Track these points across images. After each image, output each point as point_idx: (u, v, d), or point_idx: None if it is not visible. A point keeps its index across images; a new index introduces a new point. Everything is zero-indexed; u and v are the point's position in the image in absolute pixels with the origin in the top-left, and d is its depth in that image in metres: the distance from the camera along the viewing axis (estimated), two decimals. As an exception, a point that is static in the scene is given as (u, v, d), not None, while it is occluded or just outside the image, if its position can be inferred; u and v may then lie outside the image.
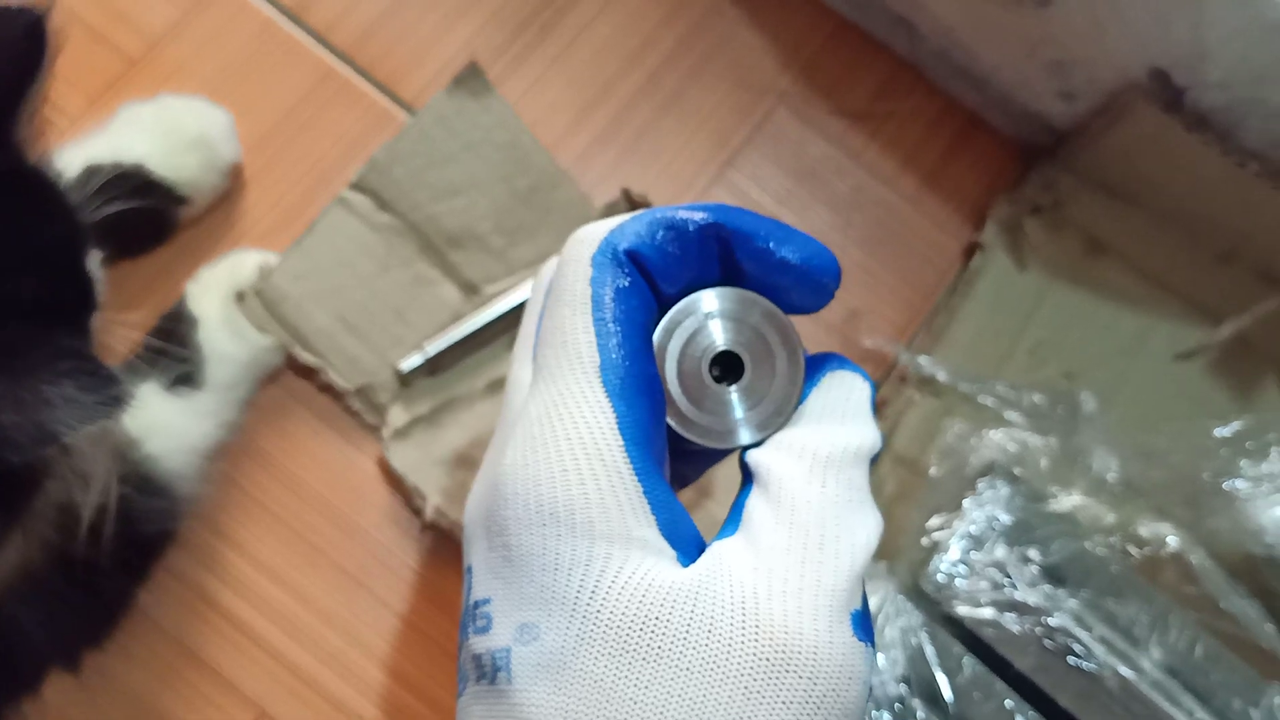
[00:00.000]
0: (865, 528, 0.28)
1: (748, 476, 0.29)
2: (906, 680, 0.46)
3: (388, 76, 0.62)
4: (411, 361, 0.55)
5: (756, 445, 0.30)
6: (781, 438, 0.29)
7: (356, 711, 0.53)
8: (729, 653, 0.25)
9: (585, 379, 0.27)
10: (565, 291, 0.29)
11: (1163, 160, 0.57)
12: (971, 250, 0.63)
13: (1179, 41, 0.51)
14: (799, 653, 0.25)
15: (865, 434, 0.29)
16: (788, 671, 0.25)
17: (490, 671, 0.27)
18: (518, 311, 0.56)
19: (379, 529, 0.55)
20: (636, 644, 0.26)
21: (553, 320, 0.29)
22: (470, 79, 0.60)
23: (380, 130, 0.61)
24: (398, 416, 0.55)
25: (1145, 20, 0.51)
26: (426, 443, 0.54)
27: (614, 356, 0.27)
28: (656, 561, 0.27)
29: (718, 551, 0.27)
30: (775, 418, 0.30)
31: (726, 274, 0.31)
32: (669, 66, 0.65)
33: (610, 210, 0.58)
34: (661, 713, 0.25)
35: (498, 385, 0.56)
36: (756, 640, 0.25)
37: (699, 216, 0.29)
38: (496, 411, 0.56)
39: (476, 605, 0.28)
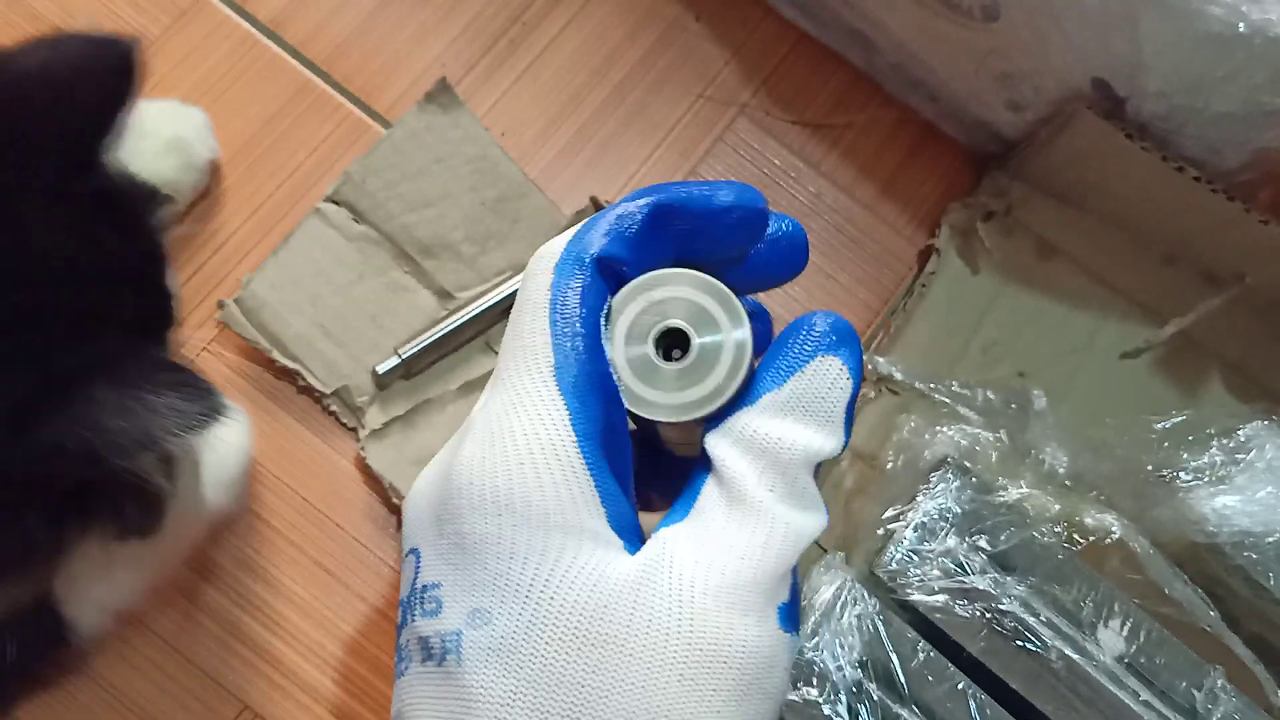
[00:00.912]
0: (808, 527, 0.29)
1: (707, 463, 0.29)
2: (863, 664, 0.48)
3: (362, 89, 0.64)
4: (387, 364, 0.57)
5: (716, 417, 0.29)
6: (745, 426, 0.29)
7: (335, 702, 0.54)
8: (667, 642, 0.27)
9: (540, 378, 0.28)
10: (527, 300, 0.29)
11: (1107, 166, 0.60)
12: (926, 254, 0.65)
13: (1118, 53, 0.54)
14: (730, 646, 0.27)
15: (830, 439, 0.29)
16: (719, 662, 0.27)
17: (438, 654, 0.28)
18: (488, 315, 0.58)
19: (356, 527, 0.57)
20: (586, 631, 0.27)
21: (514, 327, 0.30)
22: (441, 94, 0.62)
23: (355, 141, 0.63)
24: (374, 418, 0.57)
25: (1086, 33, 0.54)
26: (402, 443, 0.56)
27: (569, 356, 0.28)
28: (606, 552, 0.28)
29: (664, 539, 0.28)
30: (726, 387, 0.29)
31: (684, 258, 0.31)
32: (634, 79, 0.67)
33: (580, 217, 0.61)
34: (606, 697, 0.26)
35: (471, 386, 0.58)
36: (692, 632, 0.27)
37: (642, 203, 0.30)
38: (468, 412, 0.57)
39: (425, 589, 0.29)
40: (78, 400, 0.33)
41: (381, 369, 0.57)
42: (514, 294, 0.57)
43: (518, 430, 0.28)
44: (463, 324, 0.58)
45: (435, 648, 0.28)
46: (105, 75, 0.37)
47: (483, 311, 0.58)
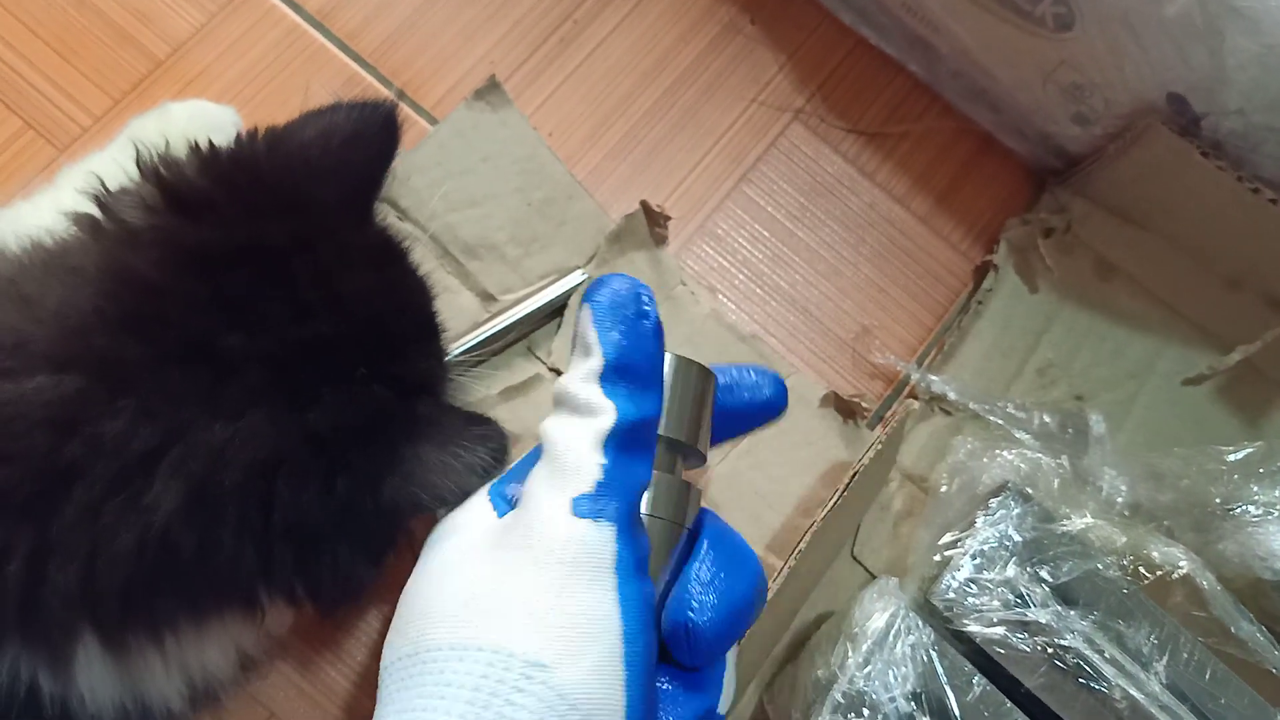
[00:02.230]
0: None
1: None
2: (916, 697, 0.46)
3: (408, 84, 0.63)
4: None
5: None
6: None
7: (364, 713, 0.53)
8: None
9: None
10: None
11: (1177, 185, 0.58)
12: (983, 270, 0.63)
13: (1197, 68, 0.52)
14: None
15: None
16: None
17: None
18: (531, 319, 0.57)
19: (390, 534, 0.55)
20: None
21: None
22: (489, 92, 0.61)
23: (401, 136, 0.61)
24: (412, 422, 0.55)
25: (1165, 46, 0.52)
26: (439, 449, 0.55)
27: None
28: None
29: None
30: None
31: None
32: (686, 82, 0.65)
33: (630, 223, 0.59)
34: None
35: (512, 392, 0.56)
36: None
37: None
38: (509, 418, 0.55)
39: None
40: (408, 459, 0.36)
41: (420, 371, 0.55)
42: (557, 298, 0.56)
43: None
44: (505, 327, 0.56)
45: None
46: (374, 137, 0.41)
47: (525, 315, 0.57)
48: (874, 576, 0.57)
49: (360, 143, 0.41)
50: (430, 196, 0.58)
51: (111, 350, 0.34)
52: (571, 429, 0.34)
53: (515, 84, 0.63)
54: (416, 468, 0.37)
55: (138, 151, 0.39)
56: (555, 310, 0.57)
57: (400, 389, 0.38)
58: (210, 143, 0.39)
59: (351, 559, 0.37)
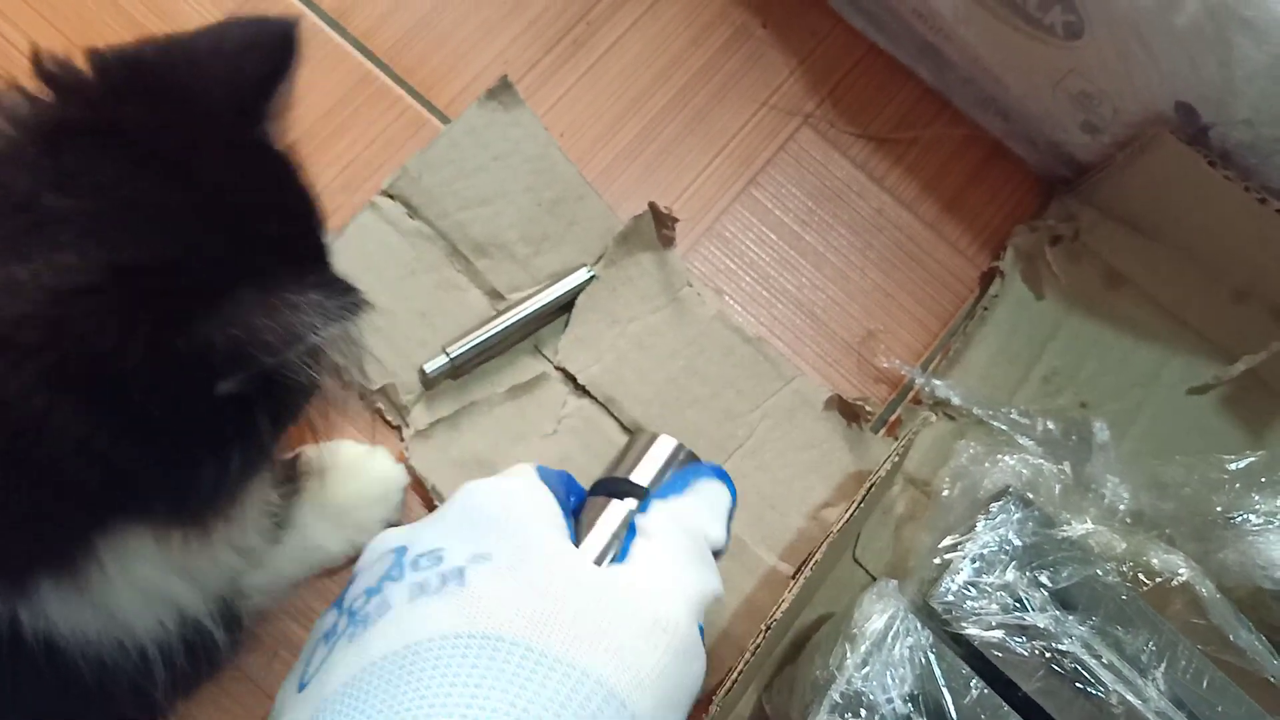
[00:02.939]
0: (707, 584, 0.42)
1: (630, 533, 0.43)
2: (913, 698, 0.46)
3: (422, 83, 0.63)
4: (435, 364, 0.56)
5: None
6: (665, 507, 0.44)
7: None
8: (602, 593, 0.38)
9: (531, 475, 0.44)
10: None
11: (1185, 194, 0.58)
12: (989, 277, 0.63)
13: (1207, 78, 0.52)
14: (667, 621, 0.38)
15: (718, 529, 0.45)
16: (662, 631, 0.38)
17: (435, 586, 0.38)
18: (537, 317, 0.57)
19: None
20: (554, 569, 0.38)
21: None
22: (502, 92, 0.61)
23: (413, 135, 0.62)
24: (420, 417, 0.56)
25: (1174, 56, 0.52)
26: (446, 444, 0.55)
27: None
28: (568, 544, 0.41)
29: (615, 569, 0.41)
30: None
31: None
32: (697, 84, 0.66)
33: (637, 224, 0.59)
34: (562, 606, 0.37)
35: (518, 390, 0.56)
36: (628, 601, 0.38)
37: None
38: (515, 416, 0.56)
39: (422, 555, 0.39)
40: (225, 301, 0.34)
41: (429, 368, 0.56)
42: (562, 295, 0.56)
43: (521, 480, 0.43)
44: (511, 325, 0.57)
45: (434, 582, 0.38)
46: (269, 47, 0.40)
47: (532, 314, 0.57)
48: (875, 579, 0.57)
49: (253, 52, 0.40)
50: (441, 194, 0.59)
51: None
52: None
53: (528, 84, 0.64)
54: (235, 307, 0.33)
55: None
56: (561, 308, 0.58)
57: (240, 247, 0.36)
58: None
59: (188, 431, 0.35)
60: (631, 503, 0.46)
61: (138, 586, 0.38)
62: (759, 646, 0.47)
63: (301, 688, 0.39)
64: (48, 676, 0.37)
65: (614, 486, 0.48)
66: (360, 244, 0.58)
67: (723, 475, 0.47)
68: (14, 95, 0.37)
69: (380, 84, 0.63)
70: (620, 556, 0.42)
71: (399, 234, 0.58)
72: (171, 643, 0.41)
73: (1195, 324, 0.63)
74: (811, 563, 0.49)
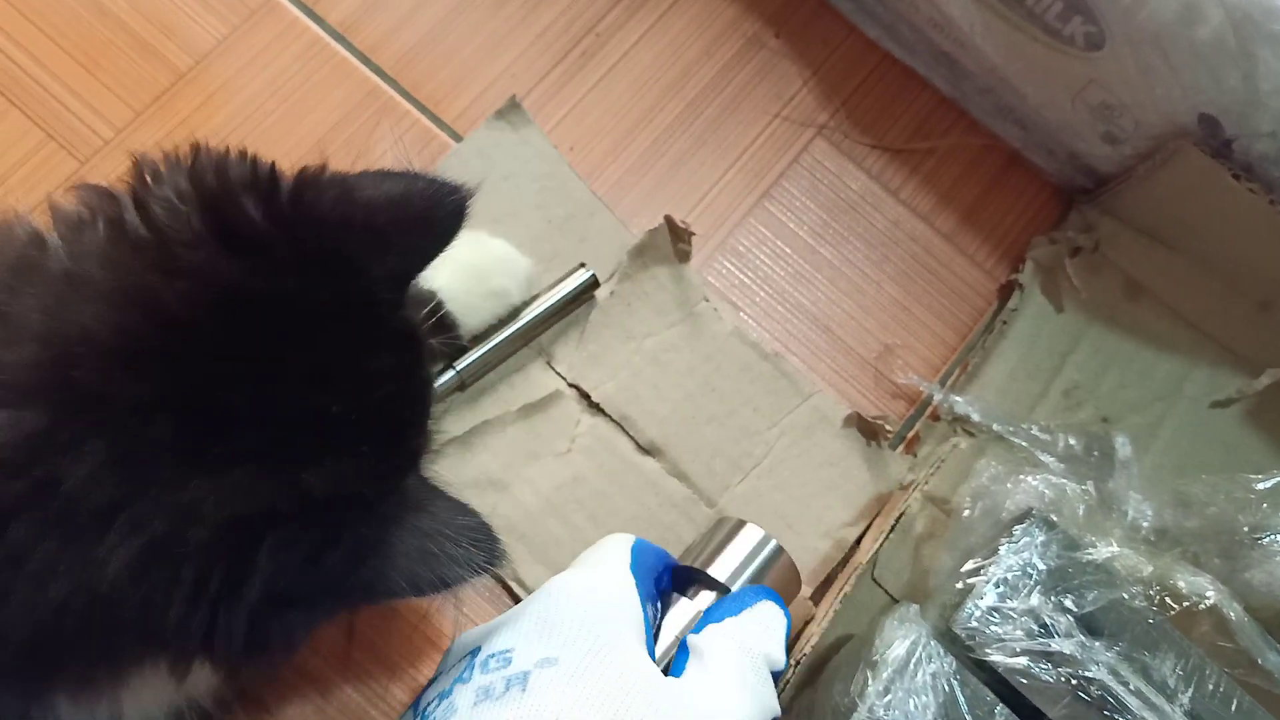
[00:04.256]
0: (767, 706, 0.42)
1: (684, 654, 0.42)
2: (937, 727, 0.46)
3: (430, 97, 0.62)
4: (443, 379, 0.55)
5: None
6: (723, 629, 0.43)
7: (379, 735, 0.53)
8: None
9: (622, 564, 0.44)
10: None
11: (1207, 206, 0.57)
12: (1008, 290, 0.62)
13: (1229, 90, 0.51)
14: None
15: (777, 650, 0.43)
16: None
17: (502, 690, 0.38)
18: (541, 321, 0.56)
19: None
20: (626, 681, 0.38)
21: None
22: (510, 112, 0.60)
23: (421, 149, 0.61)
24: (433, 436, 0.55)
25: (1196, 68, 0.51)
26: (459, 464, 0.54)
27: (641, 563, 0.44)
28: (642, 650, 0.40)
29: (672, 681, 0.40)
30: None
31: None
32: (708, 96, 0.65)
33: (653, 238, 0.58)
34: (620, 717, 0.36)
35: (531, 409, 0.56)
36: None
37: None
38: (528, 435, 0.56)
39: (492, 656, 0.40)
40: (395, 544, 0.35)
41: (438, 384, 0.55)
42: (564, 296, 0.55)
43: (605, 576, 0.43)
44: (515, 332, 0.56)
45: (498, 687, 0.38)
46: (442, 221, 0.39)
47: (534, 318, 0.56)
48: (894, 599, 0.56)
49: (428, 224, 0.39)
50: (451, 212, 0.58)
51: (95, 386, 0.31)
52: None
53: (537, 97, 0.63)
54: (401, 555, 0.35)
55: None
56: (562, 309, 0.57)
57: (394, 469, 0.37)
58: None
59: (304, 630, 0.36)
60: (706, 599, 0.46)
61: (150, 708, 0.38)
62: (789, 681, 0.46)
63: None
64: None
65: (693, 577, 0.47)
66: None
67: (775, 596, 0.46)
68: (170, 212, 0.34)
69: (387, 99, 0.62)
70: (675, 672, 0.41)
71: (409, 252, 0.57)
72: None
73: (1218, 336, 0.62)
74: (841, 594, 0.49)
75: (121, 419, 0.31)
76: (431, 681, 0.43)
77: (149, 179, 0.35)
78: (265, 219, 0.35)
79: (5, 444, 0.30)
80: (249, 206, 0.35)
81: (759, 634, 0.43)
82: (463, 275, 0.54)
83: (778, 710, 0.42)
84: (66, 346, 0.31)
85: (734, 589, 0.46)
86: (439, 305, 0.52)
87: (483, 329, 0.55)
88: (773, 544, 0.48)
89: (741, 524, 0.49)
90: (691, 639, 0.42)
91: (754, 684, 0.41)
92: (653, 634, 0.43)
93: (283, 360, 0.33)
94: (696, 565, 0.47)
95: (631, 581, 0.42)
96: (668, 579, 0.47)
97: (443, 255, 0.52)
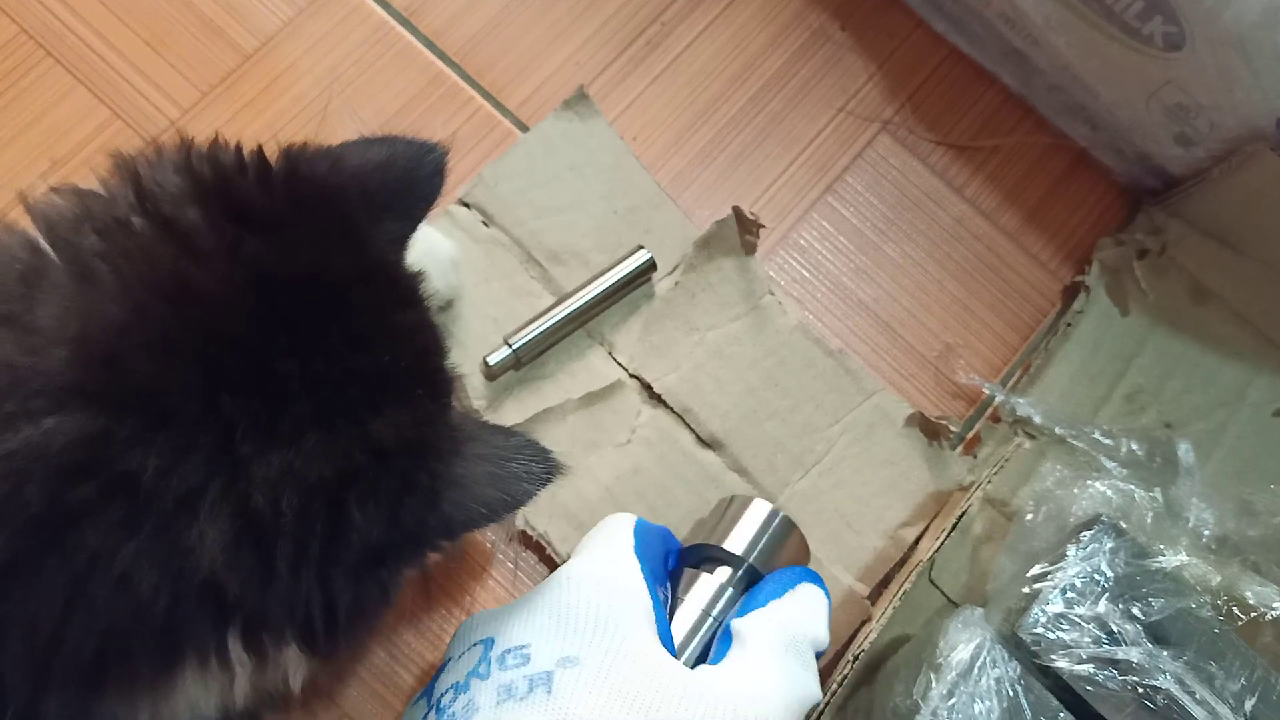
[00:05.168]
0: (808, 689, 0.42)
1: (726, 639, 0.42)
2: (1001, 731, 0.45)
3: (493, 84, 0.62)
4: (498, 355, 0.55)
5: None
6: (766, 613, 0.43)
7: None
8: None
9: (628, 549, 0.43)
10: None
11: (1280, 212, 0.56)
12: (1072, 291, 0.61)
13: (1312, 94, 0.50)
14: None
15: (822, 632, 0.43)
16: None
17: (526, 691, 0.37)
18: (595, 304, 0.56)
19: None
20: (650, 677, 0.38)
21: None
22: (577, 103, 0.60)
23: (484, 136, 0.61)
24: (494, 421, 0.55)
25: (1278, 72, 0.50)
26: (519, 455, 0.54)
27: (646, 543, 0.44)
28: (658, 643, 0.40)
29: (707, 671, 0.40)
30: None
31: None
32: (773, 89, 0.64)
33: (720, 229, 0.58)
34: (670, 712, 0.37)
35: (592, 398, 0.56)
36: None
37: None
38: (588, 425, 0.56)
39: (508, 651, 0.39)
40: (461, 474, 0.36)
41: (493, 360, 0.55)
42: (621, 279, 0.55)
43: (612, 565, 0.42)
44: (570, 314, 0.56)
45: (521, 687, 0.38)
46: (426, 179, 0.41)
47: (590, 300, 0.56)
48: (951, 601, 0.56)
49: (414, 183, 0.41)
50: (516, 203, 0.58)
51: (144, 379, 0.31)
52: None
53: (600, 86, 0.62)
54: (472, 484, 0.36)
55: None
56: (619, 289, 0.57)
57: (442, 409, 0.38)
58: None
59: (398, 583, 0.36)
60: (724, 574, 0.46)
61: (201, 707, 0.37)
62: (846, 678, 0.46)
63: None
64: None
65: (706, 554, 0.47)
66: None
67: (814, 577, 0.46)
68: (176, 202, 0.34)
69: (451, 84, 0.62)
70: (717, 658, 0.41)
71: (473, 241, 0.57)
72: None
73: (1284, 343, 0.61)
74: (900, 592, 0.48)
75: (181, 406, 0.31)
76: (442, 668, 0.43)
77: (140, 173, 0.35)
78: (268, 197, 0.36)
79: (65, 448, 0.30)
80: (250, 188, 0.36)
81: (802, 616, 0.43)
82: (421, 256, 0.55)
83: (818, 695, 0.42)
84: (104, 345, 0.31)
85: (750, 561, 0.46)
86: None
87: None
88: (781, 517, 0.48)
89: (749, 500, 0.48)
90: (735, 624, 0.42)
91: (795, 669, 0.41)
92: (666, 618, 0.42)
93: (322, 327, 0.34)
94: (710, 541, 0.47)
95: (638, 567, 0.42)
96: (674, 559, 0.47)
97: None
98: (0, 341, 0.31)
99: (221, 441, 0.31)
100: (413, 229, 0.41)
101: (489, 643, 0.40)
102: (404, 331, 0.37)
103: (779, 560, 0.47)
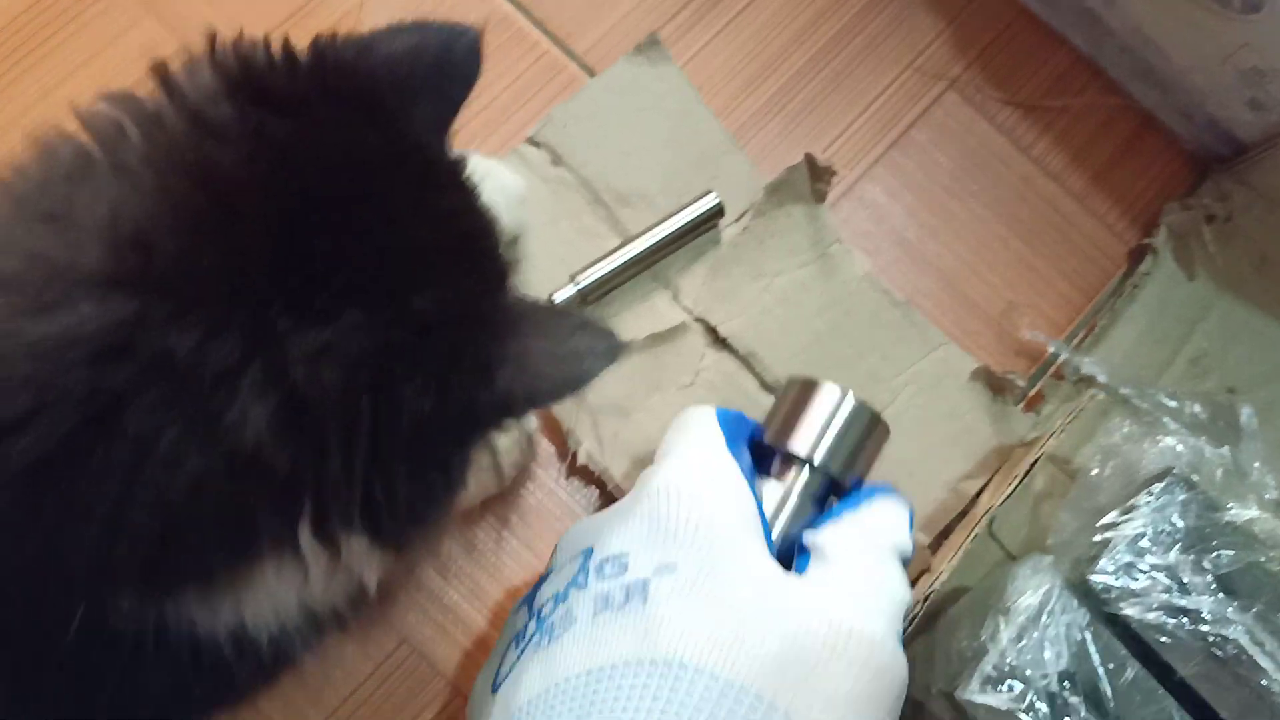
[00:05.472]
0: (898, 593, 0.41)
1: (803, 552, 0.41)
2: (1069, 676, 0.45)
3: (561, 29, 0.62)
4: (564, 293, 0.55)
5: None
6: (845, 523, 0.42)
7: (484, 636, 0.53)
8: (792, 616, 0.37)
9: (721, 450, 0.42)
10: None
11: (1355, 179, 0.56)
12: (1138, 253, 0.61)
13: (1399, 54, 0.50)
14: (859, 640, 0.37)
15: (906, 541, 0.42)
16: (858, 651, 0.36)
17: (622, 600, 0.37)
18: (662, 245, 0.56)
19: (528, 473, 0.55)
20: (748, 584, 0.37)
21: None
22: (650, 48, 0.60)
23: (551, 79, 0.61)
24: (557, 364, 0.55)
25: (1365, 29, 0.50)
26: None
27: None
28: (763, 548, 0.39)
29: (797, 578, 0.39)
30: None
31: None
32: (840, 43, 0.64)
33: (791, 175, 0.58)
34: (755, 628, 0.35)
35: (657, 339, 0.55)
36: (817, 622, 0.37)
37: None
38: (652, 366, 0.56)
39: (606, 560, 0.39)
40: (516, 349, 0.35)
41: (558, 298, 0.55)
42: (688, 222, 0.55)
43: (707, 466, 0.41)
44: (637, 255, 0.56)
45: (617, 596, 0.37)
46: (461, 62, 0.39)
47: (657, 242, 0.56)
48: (1009, 554, 0.56)
49: (447, 66, 0.39)
50: (585, 144, 0.58)
51: (176, 263, 0.30)
52: None
53: (668, 34, 0.62)
54: (529, 359, 0.35)
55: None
56: (686, 233, 0.56)
57: (494, 287, 0.37)
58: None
59: (460, 464, 0.36)
60: (792, 476, 0.43)
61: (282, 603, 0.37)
62: (916, 617, 0.46)
63: (495, 688, 0.39)
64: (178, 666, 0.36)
65: (771, 453, 0.44)
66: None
67: (892, 491, 0.44)
68: (206, 93, 0.34)
69: (519, 27, 0.62)
70: (801, 566, 0.40)
71: (542, 181, 0.57)
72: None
73: (1349, 313, 0.61)
74: (961, 548, 0.48)
75: (215, 286, 0.30)
76: (543, 578, 0.42)
77: (172, 74, 0.35)
78: (293, 83, 0.35)
79: (98, 332, 0.29)
80: (276, 76, 0.35)
81: (884, 525, 0.42)
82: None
83: (910, 598, 0.41)
84: (134, 232, 0.31)
85: (818, 462, 0.43)
86: None
87: None
88: (852, 402, 0.44)
89: (814, 383, 0.44)
90: (810, 537, 0.41)
91: (882, 578, 0.40)
92: (767, 519, 0.41)
93: (355, 206, 0.33)
94: (772, 440, 0.44)
95: (735, 468, 0.41)
96: (752, 443, 0.45)
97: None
98: (44, 237, 0.31)
99: (256, 319, 0.30)
100: (452, 113, 0.40)
101: (588, 552, 0.40)
102: (445, 212, 0.36)
103: (858, 456, 0.44)
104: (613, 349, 0.36)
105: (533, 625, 0.40)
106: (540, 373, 0.35)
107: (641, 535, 0.39)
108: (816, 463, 0.43)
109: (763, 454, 0.44)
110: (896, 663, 0.38)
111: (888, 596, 0.39)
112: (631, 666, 0.35)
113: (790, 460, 0.43)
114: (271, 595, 0.35)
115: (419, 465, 0.33)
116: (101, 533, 0.30)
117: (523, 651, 0.39)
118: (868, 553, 0.40)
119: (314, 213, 0.32)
